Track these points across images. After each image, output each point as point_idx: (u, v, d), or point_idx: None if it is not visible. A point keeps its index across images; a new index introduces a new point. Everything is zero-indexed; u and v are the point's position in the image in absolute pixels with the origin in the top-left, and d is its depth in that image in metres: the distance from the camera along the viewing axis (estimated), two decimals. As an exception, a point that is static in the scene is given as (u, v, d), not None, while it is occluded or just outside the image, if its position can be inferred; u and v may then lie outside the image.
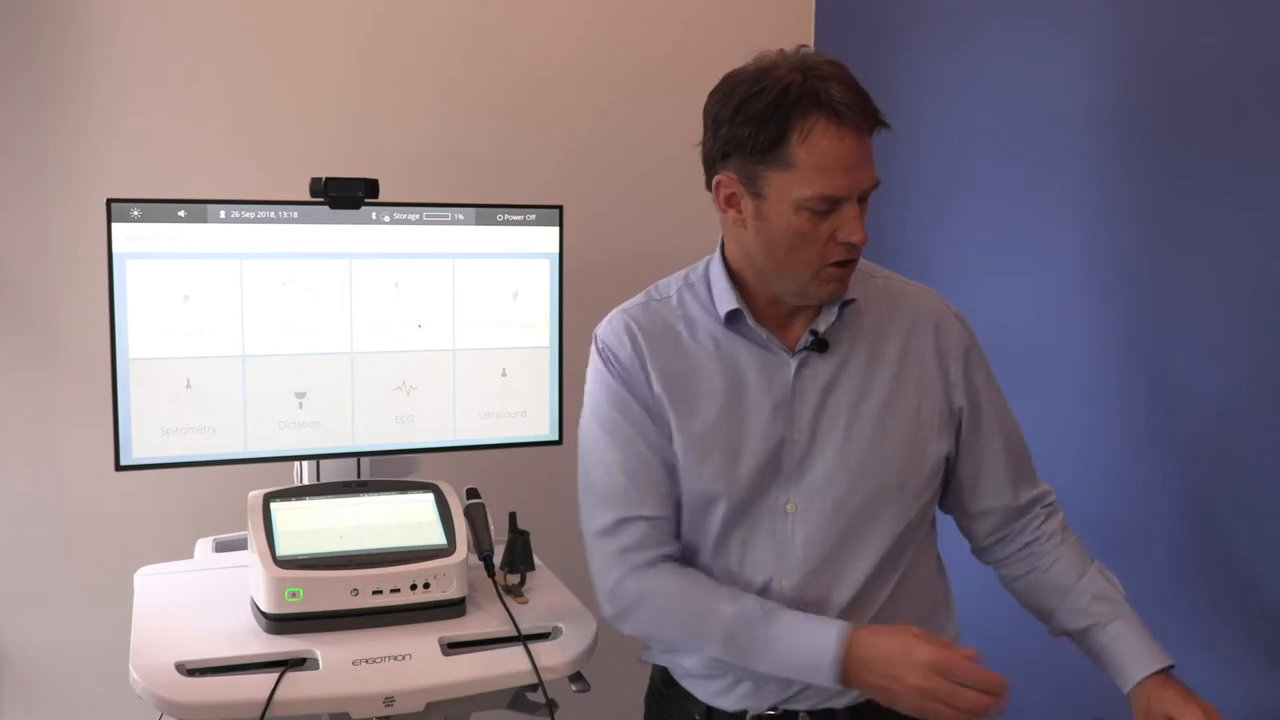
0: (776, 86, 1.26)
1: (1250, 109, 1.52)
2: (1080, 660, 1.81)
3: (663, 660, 1.47)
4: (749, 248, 1.36)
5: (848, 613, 1.35)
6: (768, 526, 1.37)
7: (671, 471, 1.39)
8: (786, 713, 1.38)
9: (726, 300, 1.39)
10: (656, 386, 1.39)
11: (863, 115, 1.27)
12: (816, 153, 1.26)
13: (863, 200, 1.31)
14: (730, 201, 1.34)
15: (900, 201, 2.20)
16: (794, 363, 1.38)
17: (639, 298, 1.48)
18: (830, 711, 1.38)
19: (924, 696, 1.22)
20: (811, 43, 2.45)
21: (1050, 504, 1.50)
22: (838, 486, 1.36)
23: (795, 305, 1.39)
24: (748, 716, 1.39)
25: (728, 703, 1.40)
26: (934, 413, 1.40)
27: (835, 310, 1.38)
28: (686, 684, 1.45)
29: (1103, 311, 1.77)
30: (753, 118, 1.27)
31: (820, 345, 1.38)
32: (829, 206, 1.28)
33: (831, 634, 1.27)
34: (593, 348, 1.45)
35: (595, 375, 1.44)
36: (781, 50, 1.31)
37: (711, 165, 1.35)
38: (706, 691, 1.42)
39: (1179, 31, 1.62)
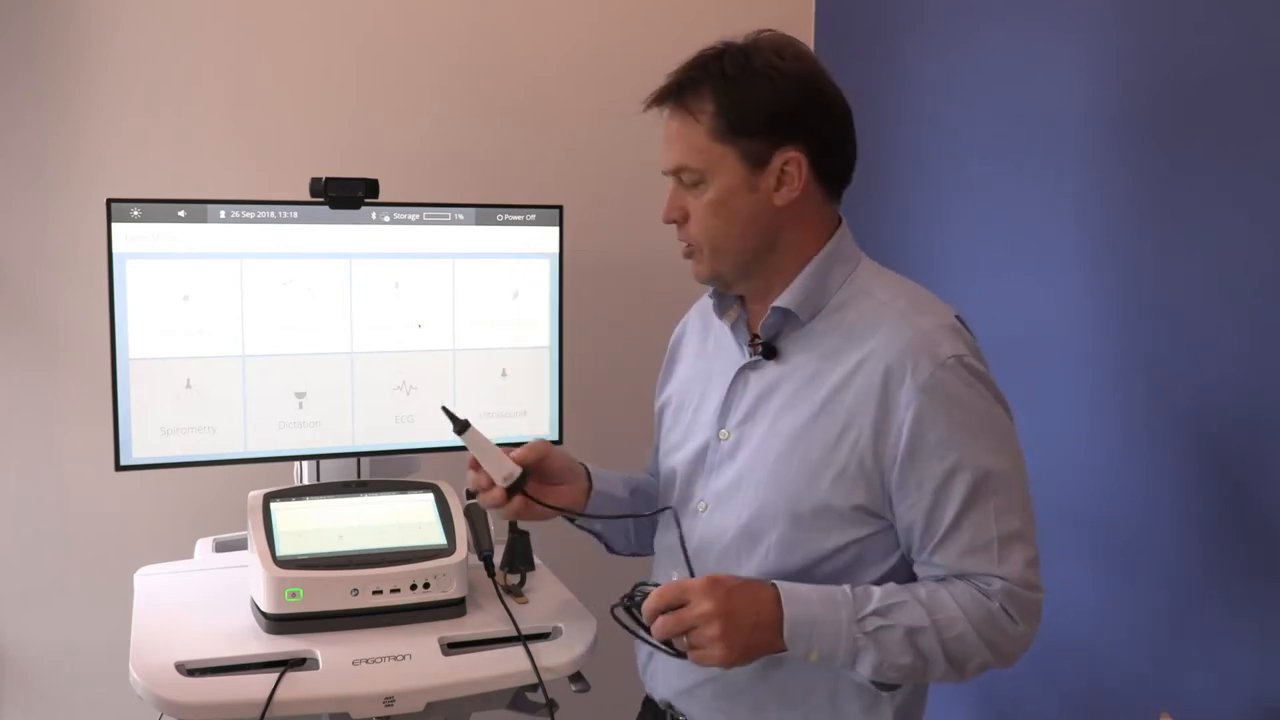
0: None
1: (1250, 109, 1.52)
2: (1080, 663, 1.81)
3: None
4: None
5: None
6: (685, 523, 1.38)
7: None
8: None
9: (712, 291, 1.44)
10: (673, 372, 1.55)
11: (664, 92, 1.31)
12: None
13: (685, 185, 1.32)
14: None
15: (900, 201, 2.20)
16: (741, 364, 1.38)
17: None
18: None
19: None
20: (811, 43, 2.45)
21: (987, 587, 1.26)
22: (737, 497, 1.34)
23: (754, 302, 1.40)
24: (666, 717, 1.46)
25: (648, 686, 1.49)
26: (852, 462, 1.26)
27: (768, 316, 1.34)
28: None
29: (1103, 312, 1.77)
30: None
31: (768, 351, 1.35)
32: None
33: None
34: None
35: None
36: (757, 33, 1.35)
37: None
38: (640, 674, 1.51)
39: (1179, 31, 1.62)
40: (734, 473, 1.35)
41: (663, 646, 1.25)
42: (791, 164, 1.29)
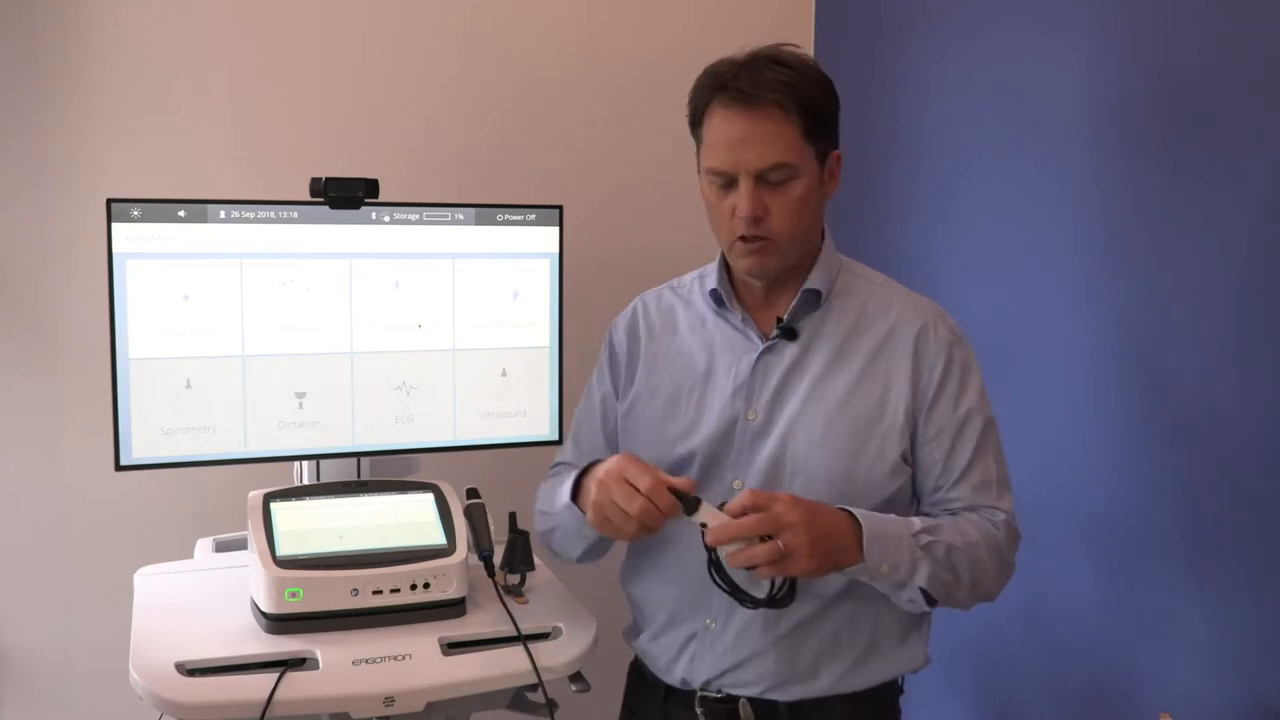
0: (717, 70, 1.39)
1: (1250, 108, 1.52)
2: (1080, 662, 1.81)
3: (633, 640, 1.57)
4: None
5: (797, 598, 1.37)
6: (715, 502, 1.39)
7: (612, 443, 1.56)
8: (730, 697, 1.44)
9: (712, 279, 1.50)
10: (640, 366, 1.53)
11: (750, 95, 1.34)
12: (711, 130, 1.39)
13: (771, 182, 1.36)
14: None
15: (900, 201, 2.20)
16: (760, 347, 1.45)
17: (664, 285, 1.61)
18: (772, 704, 1.44)
19: (596, 508, 1.35)
20: (812, 43, 2.45)
21: (993, 519, 1.43)
22: (782, 471, 1.41)
23: (764, 288, 1.46)
24: (696, 698, 1.46)
25: (675, 675, 1.48)
26: (898, 416, 1.42)
27: (798, 298, 1.45)
28: (645, 660, 1.54)
29: (1102, 310, 1.77)
30: (692, 96, 1.42)
31: (789, 333, 1.45)
32: (725, 181, 1.38)
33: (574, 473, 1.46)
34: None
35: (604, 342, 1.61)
36: (778, 45, 1.40)
37: None
38: (658, 665, 1.51)
39: (1179, 30, 1.63)
40: (775, 447, 1.42)
41: (727, 589, 1.32)
42: (837, 163, 1.44)
